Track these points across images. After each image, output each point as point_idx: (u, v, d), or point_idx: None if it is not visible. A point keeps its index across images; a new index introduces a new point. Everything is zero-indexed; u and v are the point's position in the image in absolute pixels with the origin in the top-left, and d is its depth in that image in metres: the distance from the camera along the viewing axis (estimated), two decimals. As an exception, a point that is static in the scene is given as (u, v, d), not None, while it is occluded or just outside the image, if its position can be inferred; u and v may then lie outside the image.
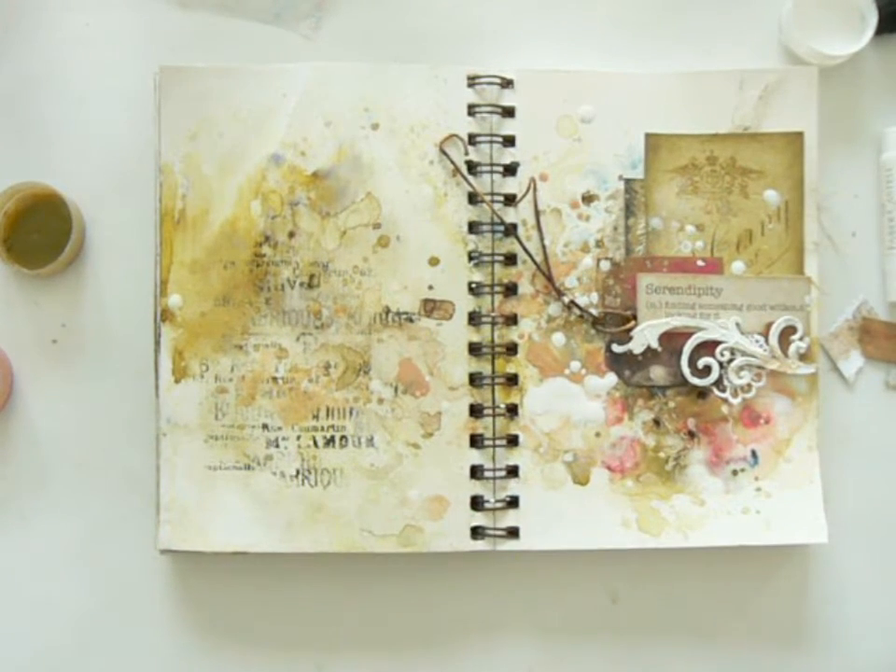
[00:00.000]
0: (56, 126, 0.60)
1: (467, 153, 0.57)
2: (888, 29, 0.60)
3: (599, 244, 0.58)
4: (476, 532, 0.56)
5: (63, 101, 0.60)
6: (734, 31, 0.61)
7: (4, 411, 0.59)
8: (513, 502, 0.57)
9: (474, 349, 0.57)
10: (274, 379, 0.57)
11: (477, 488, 0.57)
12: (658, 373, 0.57)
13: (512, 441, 0.57)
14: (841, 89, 0.60)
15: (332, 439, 0.57)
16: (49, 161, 0.59)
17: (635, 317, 0.57)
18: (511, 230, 0.57)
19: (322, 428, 0.57)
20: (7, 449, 0.59)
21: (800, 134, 0.58)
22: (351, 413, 0.57)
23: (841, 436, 0.59)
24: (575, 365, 0.57)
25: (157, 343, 0.57)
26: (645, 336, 0.57)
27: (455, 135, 0.57)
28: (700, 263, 0.58)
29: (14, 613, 0.58)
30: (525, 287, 0.57)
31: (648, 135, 0.58)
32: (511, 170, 0.57)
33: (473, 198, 0.57)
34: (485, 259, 0.57)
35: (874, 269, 0.61)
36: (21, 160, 0.59)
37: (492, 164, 0.57)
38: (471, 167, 0.57)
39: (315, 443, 0.57)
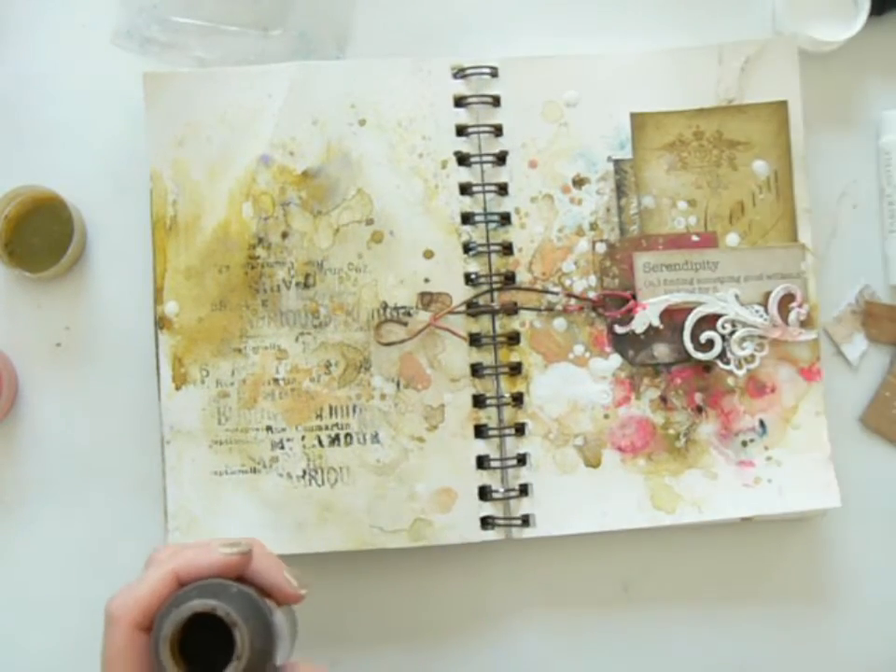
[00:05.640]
0: (54, 129, 0.60)
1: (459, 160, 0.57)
2: (881, 10, 0.60)
3: (593, 226, 0.58)
4: (486, 522, 0.56)
5: (61, 103, 0.60)
6: (727, 20, 0.61)
7: (10, 415, 0.58)
8: (524, 490, 0.56)
9: (474, 340, 0.57)
10: (275, 380, 0.56)
11: (484, 478, 0.56)
12: (662, 351, 0.57)
13: (520, 429, 0.56)
14: (838, 74, 0.61)
15: (337, 437, 0.56)
16: (49, 165, 0.59)
17: (634, 297, 0.57)
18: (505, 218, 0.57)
19: (326, 427, 0.56)
20: (15, 453, 0.58)
21: (784, 103, 0.58)
22: (354, 410, 0.56)
23: (846, 418, 0.59)
24: (578, 349, 0.57)
25: (156, 350, 0.56)
26: (646, 315, 0.57)
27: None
28: (695, 238, 0.58)
29: (23, 618, 0.58)
30: (522, 276, 0.57)
31: (633, 115, 0.58)
32: (501, 159, 0.58)
33: (465, 189, 0.57)
34: (481, 249, 0.57)
35: (875, 252, 0.61)
36: (20, 163, 0.60)
37: (481, 155, 0.57)
38: (462, 159, 0.57)
39: (320, 442, 0.56)
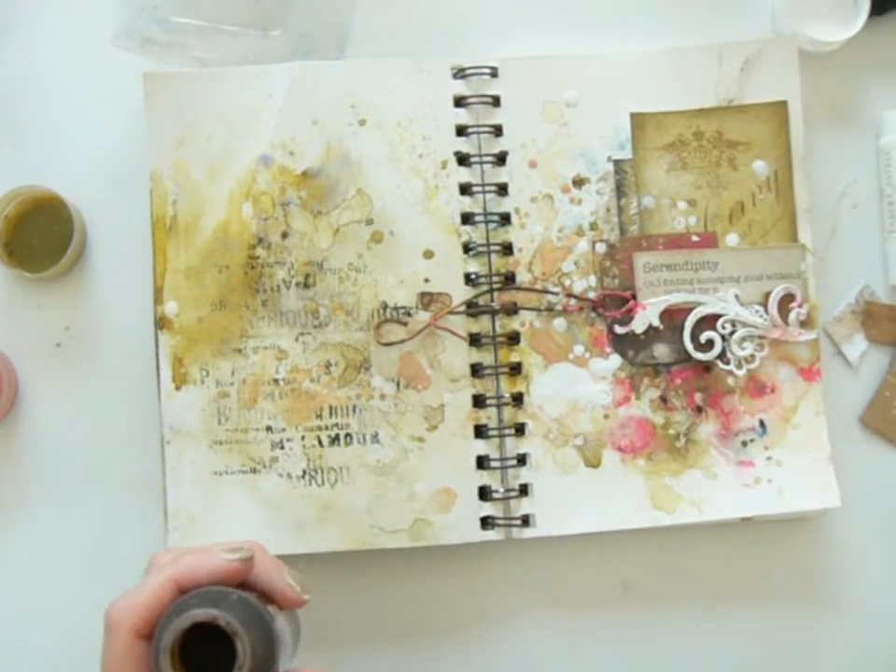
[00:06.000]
0: (54, 129, 0.60)
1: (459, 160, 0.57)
2: (881, 10, 0.60)
3: (593, 226, 0.58)
4: (486, 522, 0.56)
5: (61, 104, 0.60)
6: (727, 20, 0.61)
7: (10, 415, 0.58)
8: (524, 490, 0.56)
9: (474, 340, 0.57)
10: (275, 380, 0.56)
11: (484, 478, 0.56)
12: (662, 351, 0.57)
13: (520, 429, 0.56)
14: (838, 74, 0.61)
15: (337, 437, 0.56)
16: (49, 165, 0.59)
17: (634, 297, 0.57)
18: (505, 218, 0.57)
19: (326, 427, 0.56)
20: (15, 453, 0.58)
21: (784, 103, 0.58)
22: (354, 410, 0.56)
23: (846, 418, 0.59)
24: (578, 349, 0.57)
25: (156, 350, 0.56)
26: (646, 315, 0.57)
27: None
28: (695, 238, 0.58)
29: (23, 618, 0.58)
30: (522, 276, 0.57)
31: (633, 115, 0.58)
32: (501, 159, 0.58)
33: (465, 189, 0.57)
34: (481, 249, 0.57)
35: (875, 252, 0.61)
36: (20, 163, 0.60)
37: (481, 155, 0.57)
38: (462, 159, 0.57)
39: (320, 443, 0.56)
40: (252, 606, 0.39)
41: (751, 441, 0.57)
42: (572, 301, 0.57)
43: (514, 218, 0.58)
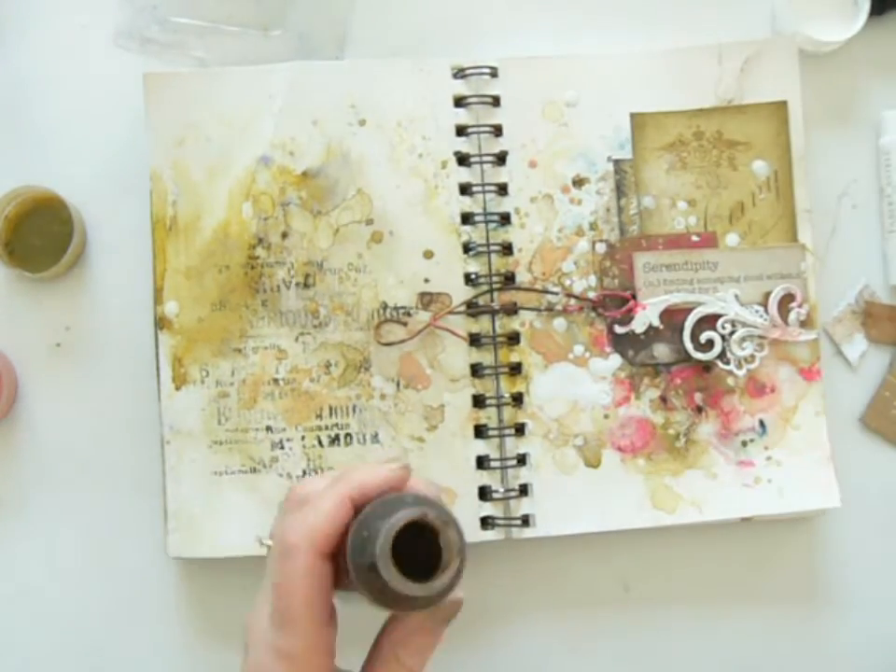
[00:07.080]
0: (54, 129, 0.60)
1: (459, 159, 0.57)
2: (881, 10, 0.60)
3: (593, 226, 0.58)
4: (486, 522, 0.56)
5: (61, 104, 0.60)
6: (727, 20, 0.61)
7: (10, 415, 0.58)
8: (524, 490, 0.56)
9: (474, 340, 0.57)
10: (275, 380, 0.56)
11: (484, 478, 0.56)
12: (662, 351, 0.57)
13: (519, 429, 0.56)
14: (838, 74, 0.61)
15: (337, 437, 0.56)
16: (49, 165, 0.59)
17: (634, 297, 0.57)
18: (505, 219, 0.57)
19: (326, 427, 0.56)
20: (14, 453, 0.58)
21: (784, 103, 0.58)
22: (354, 410, 0.56)
23: (846, 418, 0.59)
24: (578, 349, 0.57)
25: (156, 350, 0.56)
26: (646, 315, 0.57)
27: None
28: (695, 238, 0.58)
29: (23, 618, 0.57)
30: (522, 276, 0.57)
31: (633, 115, 0.58)
32: (501, 159, 0.58)
33: (465, 189, 0.57)
34: (481, 249, 0.57)
35: (875, 252, 0.61)
36: (19, 163, 0.60)
37: (481, 155, 0.57)
38: (462, 159, 0.57)
39: (320, 443, 0.56)
40: (436, 503, 0.39)
41: (751, 440, 0.57)
42: (572, 301, 0.57)
43: (514, 218, 0.58)
